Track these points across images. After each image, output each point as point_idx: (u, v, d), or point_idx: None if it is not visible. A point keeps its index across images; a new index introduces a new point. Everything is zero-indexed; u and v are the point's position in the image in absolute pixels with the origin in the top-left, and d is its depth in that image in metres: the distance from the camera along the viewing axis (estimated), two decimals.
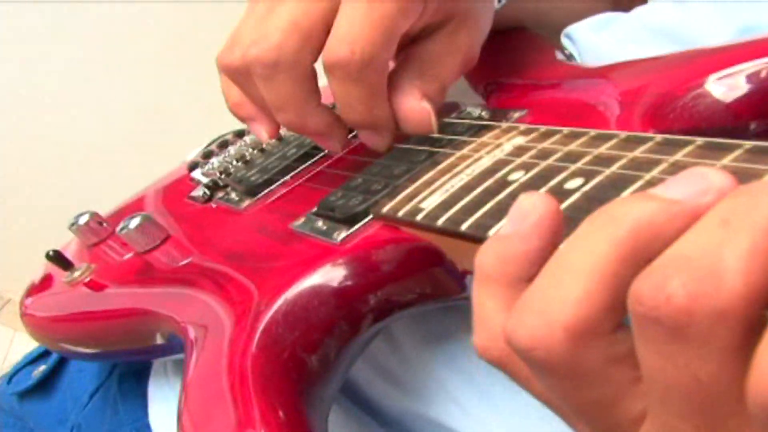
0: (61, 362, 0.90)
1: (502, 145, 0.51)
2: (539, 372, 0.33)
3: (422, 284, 0.51)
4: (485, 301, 0.35)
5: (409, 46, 0.59)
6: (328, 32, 0.55)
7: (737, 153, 0.37)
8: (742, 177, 0.35)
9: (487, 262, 0.35)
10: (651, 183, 0.38)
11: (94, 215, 0.82)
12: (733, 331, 0.27)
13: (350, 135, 0.63)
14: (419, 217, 0.48)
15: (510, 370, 0.35)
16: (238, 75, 0.59)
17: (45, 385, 0.91)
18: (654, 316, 0.28)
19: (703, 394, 0.28)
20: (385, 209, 0.52)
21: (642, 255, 0.30)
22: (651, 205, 0.31)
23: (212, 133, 0.93)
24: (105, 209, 0.89)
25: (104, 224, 0.82)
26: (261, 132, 0.63)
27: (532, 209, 0.34)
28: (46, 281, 0.83)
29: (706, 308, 0.27)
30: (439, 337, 0.60)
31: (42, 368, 0.91)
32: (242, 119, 0.65)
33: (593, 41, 0.71)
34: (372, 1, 0.54)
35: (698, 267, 0.27)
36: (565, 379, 0.32)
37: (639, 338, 0.29)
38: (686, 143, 0.40)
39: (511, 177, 0.46)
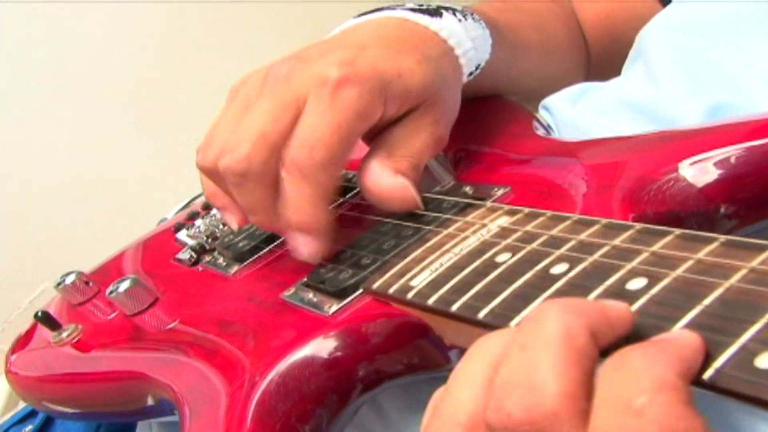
0: (48, 421, 0.92)
1: (488, 225, 0.54)
2: None
3: (410, 357, 0.53)
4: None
5: (377, 133, 0.63)
6: None
7: (713, 246, 0.40)
8: (719, 269, 0.38)
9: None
10: (633, 272, 0.41)
11: (81, 275, 0.84)
12: (570, 423, 0.33)
13: (336, 204, 0.66)
14: (410, 295, 0.51)
15: None
16: (213, 175, 0.64)
17: None
18: None
19: None
20: (375, 285, 0.54)
21: None
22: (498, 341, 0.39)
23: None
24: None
25: (90, 284, 0.84)
26: (232, 221, 0.68)
27: None
28: (32, 337, 0.84)
29: (541, 413, 0.33)
30: (423, 405, 0.62)
31: (29, 428, 0.92)
32: (216, 208, 0.70)
33: (571, 114, 0.74)
34: (333, 108, 0.58)
35: (520, 386, 0.34)
36: None
37: None
38: (664, 233, 0.43)
39: (499, 259, 0.49)
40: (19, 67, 2.15)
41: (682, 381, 0.32)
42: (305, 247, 0.61)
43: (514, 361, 0.35)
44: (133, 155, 2.23)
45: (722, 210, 0.51)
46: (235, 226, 0.68)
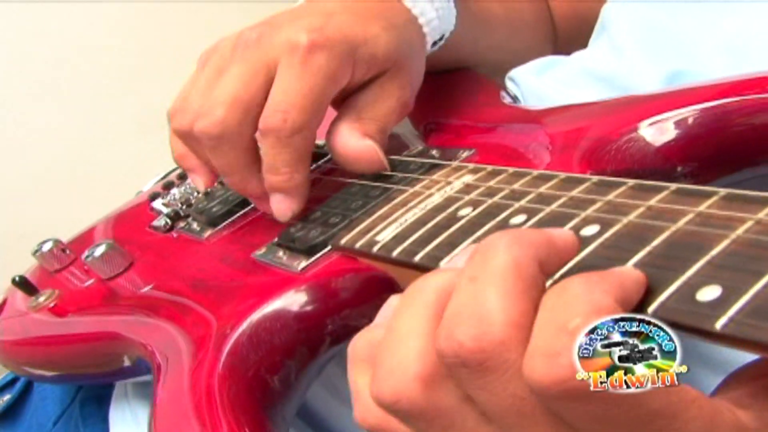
0: (26, 391, 0.93)
1: (452, 183, 0.56)
2: (409, 422, 0.39)
3: (376, 310, 0.55)
4: (357, 378, 0.41)
5: (346, 98, 0.65)
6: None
7: (663, 194, 0.42)
8: (667, 215, 0.40)
9: (359, 346, 0.42)
10: (587, 220, 0.43)
11: (58, 242, 0.85)
12: (517, 352, 0.34)
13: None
14: (375, 249, 0.53)
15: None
16: (187, 138, 0.66)
17: (10, 413, 0.93)
18: (459, 362, 0.35)
19: (528, 405, 0.35)
20: (343, 241, 0.56)
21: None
22: (444, 276, 0.39)
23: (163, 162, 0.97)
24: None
25: (67, 251, 0.85)
26: (199, 183, 0.69)
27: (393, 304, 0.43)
28: (5, 306, 0.85)
29: (490, 342, 0.34)
30: None
31: (7, 398, 0.93)
32: (184, 169, 0.71)
33: (535, 84, 0.76)
34: (303, 73, 0.60)
35: (470, 316, 0.35)
36: (432, 423, 0.38)
37: (461, 384, 0.36)
38: (619, 184, 0.45)
39: (461, 213, 0.51)
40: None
41: (620, 307, 0.34)
42: (279, 205, 0.63)
43: (464, 293, 0.36)
44: (120, 148, 2.23)
45: (679, 169, 0.53)
46: (201, 188, 0.69)
